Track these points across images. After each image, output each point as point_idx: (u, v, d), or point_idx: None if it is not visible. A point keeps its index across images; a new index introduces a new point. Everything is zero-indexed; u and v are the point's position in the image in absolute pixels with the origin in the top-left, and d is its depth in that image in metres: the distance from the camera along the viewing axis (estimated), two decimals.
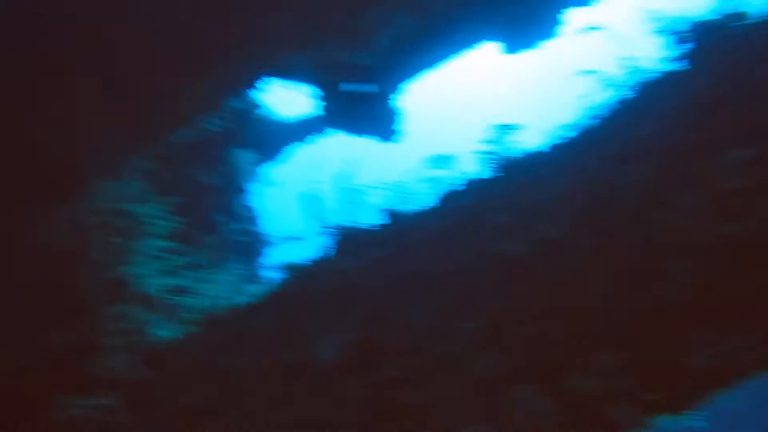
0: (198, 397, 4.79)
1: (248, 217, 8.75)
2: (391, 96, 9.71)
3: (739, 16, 4.15)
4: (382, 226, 4.72)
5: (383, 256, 4.54)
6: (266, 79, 7.52)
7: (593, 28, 4.53)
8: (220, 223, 8.00)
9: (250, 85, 7.40)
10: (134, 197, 6.02)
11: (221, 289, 5.29)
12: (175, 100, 7.23)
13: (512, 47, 9.78)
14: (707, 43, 4.21)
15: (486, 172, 4.59)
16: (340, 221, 4.80)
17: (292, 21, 6.59)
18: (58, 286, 5.30)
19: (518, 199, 4.33)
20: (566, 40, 7.78)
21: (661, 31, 4.38)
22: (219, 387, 4.82)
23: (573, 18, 8.22)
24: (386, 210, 4.73)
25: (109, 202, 5.81)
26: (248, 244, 8.05)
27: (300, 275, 4.80)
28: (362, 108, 9.59)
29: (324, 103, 9.22)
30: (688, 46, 4.29)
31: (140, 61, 6.96)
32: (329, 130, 10.39)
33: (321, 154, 5.81)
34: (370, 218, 4.77)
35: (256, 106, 8.89)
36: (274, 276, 5.00)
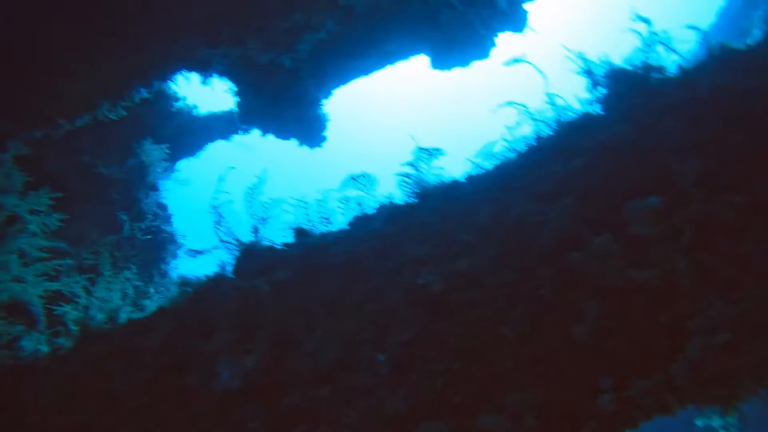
0: (69, 422, 4.27)
1: (151, 217, 8.12)
2: (312, 103, 9.43)
3: (658, 69, 4.28)
4: (292, 246, 4.44)
5: (291, 279, 4.27)
6: (181, 72, 6.98)
7: (520, 61, 4.52)
8: (117, 222, 7.34)
9: (162, 76, 6.84)
10: (8, 188, 5.30)
11: (111, 300, 4.76)
12: (73, 81, 6.53)
13: (440, 64, 9.84)
14: (625, 91, 4.32)
15: (405, 198, 4.45)
16: (247, 237, 4.47)
17: (212, 14, 6.16)
18: None
19: (436, 229, 4.22)
20: (495, 71, 7.88)
21: (584, 73, 4.46)
22: (96, 411, 4.33)
23: (504, 46, 8.36)
24: (297, 229, 4.46)
25: None
26: (148, 248, 7.42)
27: (200, 292, 4.42)
28: (283, 112, 9.24)
29: (242, 103, 8.80)
30: (607, 92, 4.39)
31: (39, 32, 6.22)
32: (246, 131, 9.95)
33: (235, 160, 5.41)
34: (279, 236, 4.48)
35: (168, 98, 8.28)
36: (173, 289, 4.57)
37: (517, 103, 4.53)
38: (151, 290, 5.35)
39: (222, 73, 7.35)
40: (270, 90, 8.16)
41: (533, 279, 4.08)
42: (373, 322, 4.20)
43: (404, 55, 10.09)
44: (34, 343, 4.74)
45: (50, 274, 5.21)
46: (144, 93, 6.99)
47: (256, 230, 4.42)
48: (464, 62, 9.87)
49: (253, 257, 4.39)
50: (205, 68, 6.90)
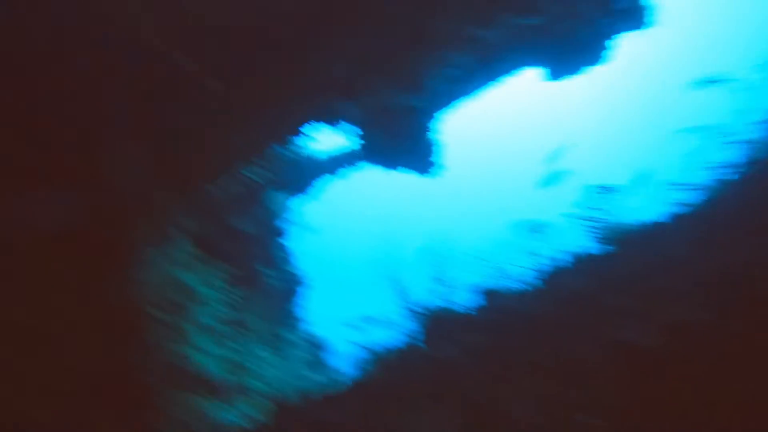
0: None
1: (285, 266, 8.23)
2: (426, 131, 9.26)
3: None
4: (479, 308, 4.24)
5: (483, 343, 4.06)
6: (315, 125, 7.07)
7: (712, 82, 4.07)
8: (259, 277, 7.48)
9: (298, 131, 6.96)
10: (183, 263, 5.51)
11: (289, 370, 4.79)
12: (220, 149, 6.80)
13: (554, 75, 9.37)
14: None
15: (592, 245, 4.11)
16: (428, 301, 4.31)
17: (345, 67, 6.17)
18: (114, 372, 4.78)
19: (638, 277, 3.85)
20: (674, 92, 7.33)
21: None
22: None
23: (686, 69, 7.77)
24: (481, 289, 4.25)
25: (160, 272, 5.29)
26: (286, 300, 7.49)
27: (388, 363, 4.32)
28: (400, 144, 9.14)
29: (364, 142, 8.79)
30: None
31: (186, 109, 6.54)
32: (362, 168, 9.95)
33: (398, 220, 5.30)
34: (463, 298, 4.29)
35: (304, 153, 8.45)
36: (351, 359, 4.51)
37: (707, 126, 4.08)
38: (329, 360, 5.33)
39: (350, 120, 7.37)
40: (393, 127, 8.08)
41: (759, 325, 3.60)
42: (573, 382, 3.90)
43: (513, 71, 9.74)
44: (224, 414, 4.85)
45: (227, 343, 5.35)
46: (278, 149, 7.14)
47: (439, 293, 4.27)
48: (576, 70, 9.38)
49: (440, 323, 4.24)
50: (337, 119, 6.95)
